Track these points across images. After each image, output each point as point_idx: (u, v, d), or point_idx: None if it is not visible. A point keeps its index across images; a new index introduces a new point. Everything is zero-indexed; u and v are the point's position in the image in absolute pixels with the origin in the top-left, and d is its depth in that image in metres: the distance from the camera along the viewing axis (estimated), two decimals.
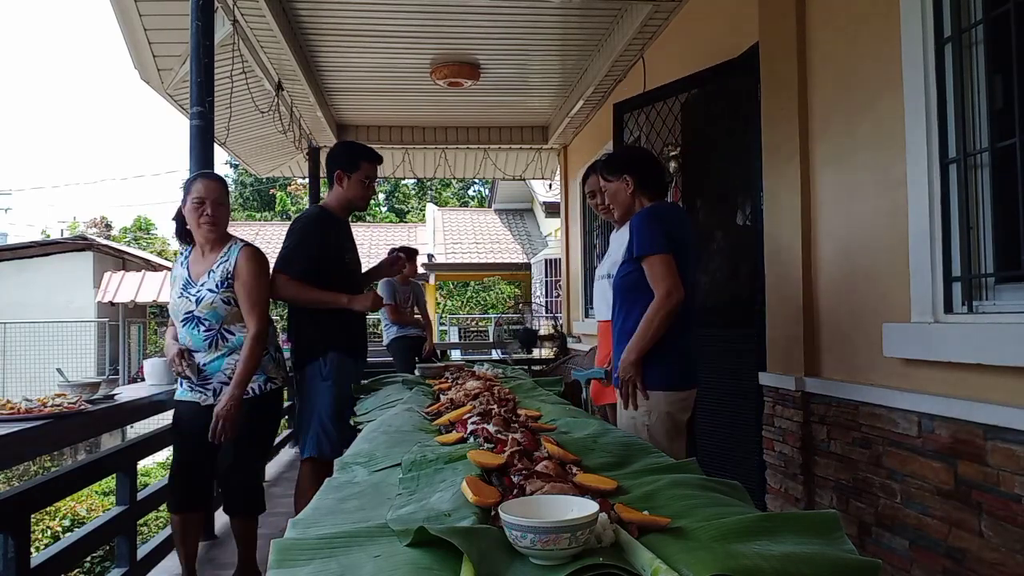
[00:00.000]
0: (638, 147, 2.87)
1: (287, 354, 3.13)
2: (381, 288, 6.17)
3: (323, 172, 3.15)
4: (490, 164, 8.14)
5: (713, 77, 3.75)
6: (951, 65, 2.19)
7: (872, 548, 2.45)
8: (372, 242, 18.72)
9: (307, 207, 2.95)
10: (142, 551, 3.00)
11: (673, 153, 4.07)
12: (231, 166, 26.34)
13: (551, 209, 14.35)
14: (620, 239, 3.05)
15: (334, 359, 2.98)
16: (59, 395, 2.47)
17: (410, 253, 6.29)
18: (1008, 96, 2.02)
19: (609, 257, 3.06)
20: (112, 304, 14.26)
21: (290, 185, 25.64)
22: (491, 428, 1.74)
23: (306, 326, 3.00)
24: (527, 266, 16.32)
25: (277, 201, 26.69)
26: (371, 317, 6.40)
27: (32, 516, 2.31)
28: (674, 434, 2.49)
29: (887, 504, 2.40)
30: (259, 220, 24.85)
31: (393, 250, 6.25)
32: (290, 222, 2.97)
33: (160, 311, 16.89)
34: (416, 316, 6.50)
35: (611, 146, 5.94)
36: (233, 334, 2.65)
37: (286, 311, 3.17)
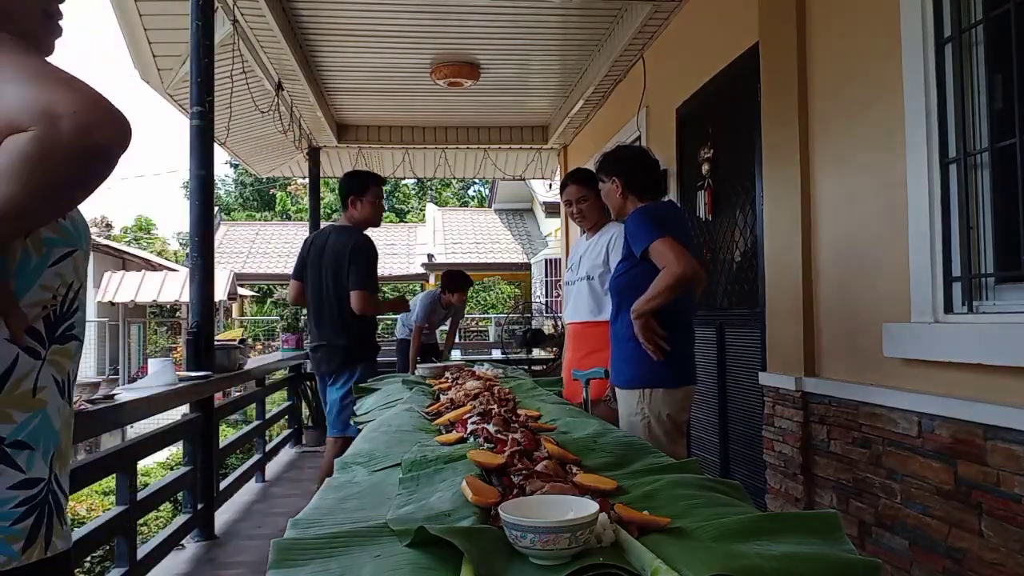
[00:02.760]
0: (631, 146, 2.92)
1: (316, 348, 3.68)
2: (421, 300, 5.98)
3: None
4: (490, 164, 8.14)
5: (739, 75, 3.67)
6: (951, 65, 2.19)
7: (872, 548, 2.45)
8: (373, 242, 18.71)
9: (352, 233, 3.64)
10: (142, 551, 3.00)
11: (707, 155, 4.03)
12: (231, 166, 26.35)
13: (551, 209, 14.36)
14: (593, 244, 3.18)
15: (372, 363, 3.65)
16: None
17: (464, 283, 5.89)
18: (1008, 96, 2.02)
19: (586, 260, 3.18)
20: (112, 304, 14.26)
21: (290, 185, 25.63)
22: (491, 428, 1.74)
23: (368, 331, 3.68)
24: (527, 266, 16.33)
25: (277, 201, 26.68)
26: (384, 316, 6.34)
27: None
28: (675, 435, 2.50)
29: (887, 504, 2.40)
30: (259, 220, 24.85)
31: (450, 279, 5.91)
32: (354, 246, 3.54)
33: (160, 311, 16.89)
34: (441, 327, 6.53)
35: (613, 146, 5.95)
36: None
37: (331, 309, 3.59)
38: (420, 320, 5.82)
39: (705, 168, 4.02)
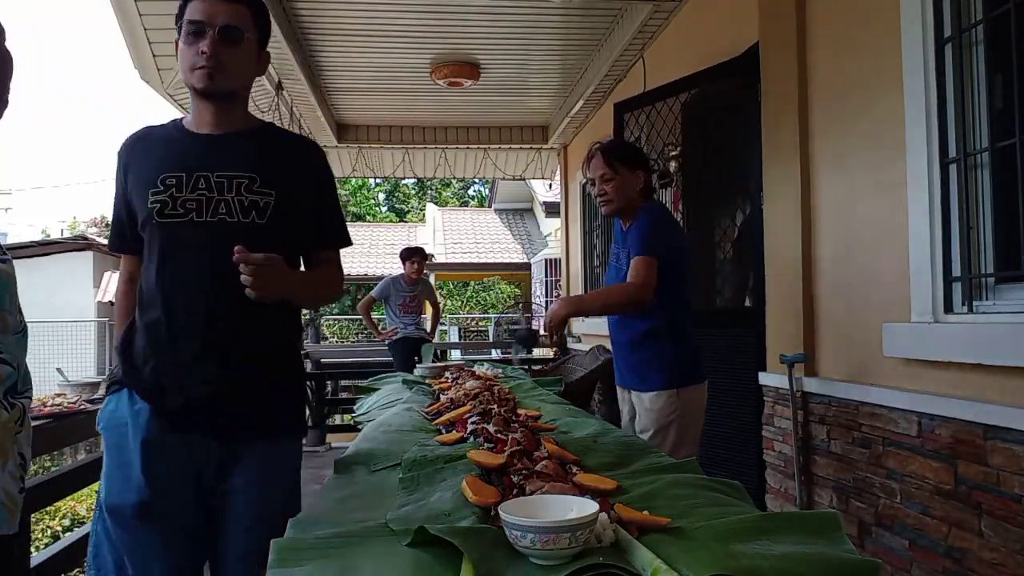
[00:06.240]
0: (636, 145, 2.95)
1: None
2: (381, 286, 6.17)
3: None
4: (490, 164, 8.13)
5: (714, 77, 3.74)
6: (951, 65, 2.19)
7: (872, 548, 2.45)
8: (372, 242, 18.71)
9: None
10: None
11: (673, 153, 4.06)
12: None
13: (551, 209, 14.35)
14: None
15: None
16: (59, 395, 2.47)
17: (418, 253, 6.27)
18: (1008, 96, 2.02)
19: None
20: (112, 304, 14.23)
21: None
22: (491, 428, 1.74)
23: (300, 365, 1.78)
24: (527, 266, 16.33)
25: None
26: (373, 316, 6.42)
27: (32, 516, 2.31)
28: (699, 431, 2.57)
29: (887, 504, 2.40)
30: None
31: (403, 251, 6.24)
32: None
33: None
34: (423, 316, 6.57)
35: None
36: None
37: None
38: (375, 293, 6.18)
39: (673, 166, 4.05)
